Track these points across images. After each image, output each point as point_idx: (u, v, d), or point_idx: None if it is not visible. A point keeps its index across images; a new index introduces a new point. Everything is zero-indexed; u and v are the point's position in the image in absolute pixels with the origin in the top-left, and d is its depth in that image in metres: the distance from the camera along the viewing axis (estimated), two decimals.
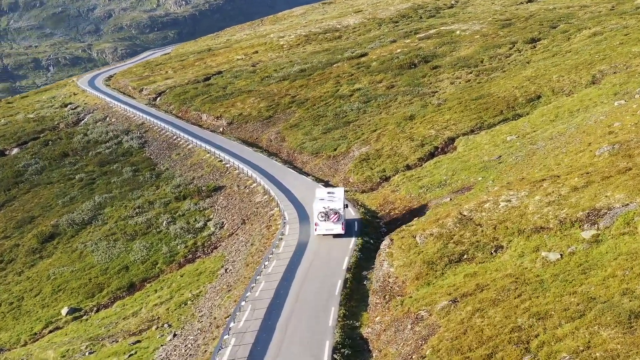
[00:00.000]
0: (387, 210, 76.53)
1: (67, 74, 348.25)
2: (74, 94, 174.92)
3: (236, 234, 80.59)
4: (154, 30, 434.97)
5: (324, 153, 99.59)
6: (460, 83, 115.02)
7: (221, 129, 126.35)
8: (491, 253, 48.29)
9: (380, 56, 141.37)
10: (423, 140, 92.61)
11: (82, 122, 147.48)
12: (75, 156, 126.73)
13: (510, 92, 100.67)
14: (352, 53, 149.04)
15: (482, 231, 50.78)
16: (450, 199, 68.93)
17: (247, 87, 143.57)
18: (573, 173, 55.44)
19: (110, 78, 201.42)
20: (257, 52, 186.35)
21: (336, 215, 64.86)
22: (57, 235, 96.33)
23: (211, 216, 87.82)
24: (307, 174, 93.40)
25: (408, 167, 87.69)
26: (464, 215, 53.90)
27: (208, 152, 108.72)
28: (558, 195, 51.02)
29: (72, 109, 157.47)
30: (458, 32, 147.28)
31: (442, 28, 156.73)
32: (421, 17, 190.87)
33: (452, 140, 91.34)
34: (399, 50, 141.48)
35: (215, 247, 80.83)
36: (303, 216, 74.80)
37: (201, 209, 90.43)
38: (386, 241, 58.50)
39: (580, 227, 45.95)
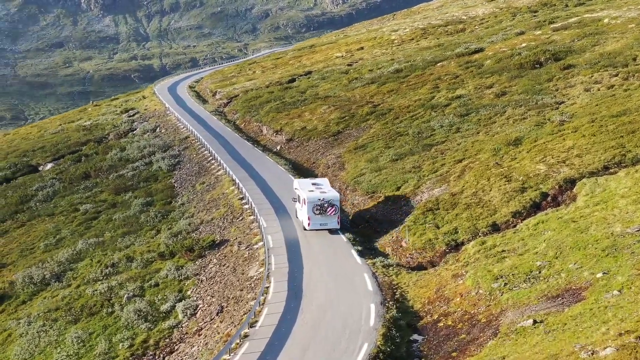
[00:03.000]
0: (435, 316, 43.94)
1: None
2: (143, 98, 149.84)
3: (200, 334, 50.46)
4: (310, 30, 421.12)
5: (382, 193, 67.73)
6: (599, 90, 79.37)
7: (279, 147, 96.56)
8: None
9: (498, 52, 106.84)
10: (526, 181, 59.05)
11: (132, 132, 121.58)
12: (96, 178, 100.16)
13: None
14: (465, 49, 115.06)
15: None
16: (535, 322, 35.84)
17: (327, 92, 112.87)
18: None
19: (202, 79, 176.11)
20: (362, 48, 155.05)
21: (333, 208, 58.89)
22: (8, 299, 69.37)
23: (189, 292, 57.84)
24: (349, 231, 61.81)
25: (494, 228, 54.60)
26: None
27: (234, 184, 78.89)
28: None
29: (129, 117, 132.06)
30: (606, 21, 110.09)
31: (586, 16, 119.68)
32: (567, 5, 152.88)
33: (571, 183, 57.18)
34: (523, 45, 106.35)
35: (171, 352, 50.91)
36: (288, 318, 43.94)
37: (182, 277, 60.61)
38: None
39: None
